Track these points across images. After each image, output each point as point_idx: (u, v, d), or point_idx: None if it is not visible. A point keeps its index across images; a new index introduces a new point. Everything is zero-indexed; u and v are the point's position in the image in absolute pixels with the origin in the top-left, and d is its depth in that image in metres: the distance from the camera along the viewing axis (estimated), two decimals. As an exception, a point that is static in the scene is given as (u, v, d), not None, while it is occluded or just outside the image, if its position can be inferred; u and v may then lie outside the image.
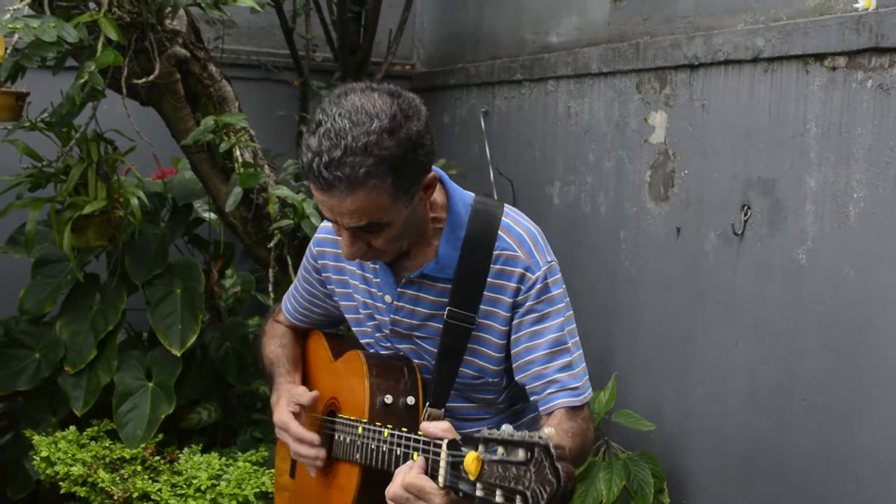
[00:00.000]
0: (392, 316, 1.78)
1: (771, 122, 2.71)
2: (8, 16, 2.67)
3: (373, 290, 1.82)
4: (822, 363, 2.58)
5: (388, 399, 1.71)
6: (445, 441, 1.40)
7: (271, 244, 3.16)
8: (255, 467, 2.95)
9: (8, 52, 2.61)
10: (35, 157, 3.07)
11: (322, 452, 1.82)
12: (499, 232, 1.71)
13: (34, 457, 2.99)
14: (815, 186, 2.58)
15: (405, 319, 1.77)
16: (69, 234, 2.99)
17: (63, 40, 2.61)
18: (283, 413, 1.88)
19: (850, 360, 2.50)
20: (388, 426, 1.64)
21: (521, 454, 1.21)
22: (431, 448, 1.44)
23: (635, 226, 3.24)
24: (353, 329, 1.94)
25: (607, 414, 2.98)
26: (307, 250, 1.97)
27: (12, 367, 3.26)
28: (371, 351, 1.90)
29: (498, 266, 1.70)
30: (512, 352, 1.72)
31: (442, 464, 1.39)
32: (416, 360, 1.81)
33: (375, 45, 4.27)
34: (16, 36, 2.61)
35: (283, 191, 3.09)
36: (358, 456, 1.69)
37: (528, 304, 1.69)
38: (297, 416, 1.88)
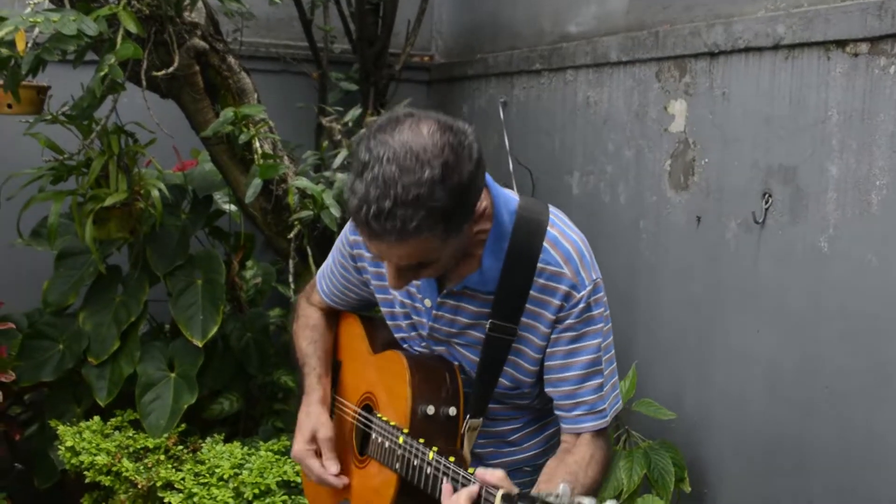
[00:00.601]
0: (431, 323, 1.76)
1: (792, 109, 2.69)
2: (28, 10, 2.70)
3: (412, 290, 1.78)
4: (844, 351, 2.57)
5: (430, 410, 1.68)
6: (500, 493, 1.39)
7: (291, 235, 3.17)
8: (276, 456, 2.97)
9: (29, 46, 2.63)
10: (57, 150, 3.09)
11: (344, 482, 1.85)
12: (544, 244, 1.67)
13: (59, 447, 3.03)
14: (837, 174, 2.56)
15: (444, 327, 1.75)
16: (91, 226, 3.02)
17: (83, 33, 2.63)
18: (301, 449, 1.89)
19: (872, 347, 2.49)
20: (434, 448, 1.60)
21: None
22: (484, 492, 1.43)
23: (655, 215, 3.23)
24: (388, 322, 1.89)
25: (628, 403, 2.98)
26: (343, 234, 1.91)
27: (37, 358, 3.30)
28: (411, 352, 1.85)
29: (542, 280, 1.66)
30: (546, 364, 1.71)
31: None
32: (453, 362, 1.80)
33: (394, 36, 4.27)
34: (36, 30, 2.64)
35: (303, 182, 3.11)
36: (398, 466, 1.68)
37: (568, 321, 1.67)
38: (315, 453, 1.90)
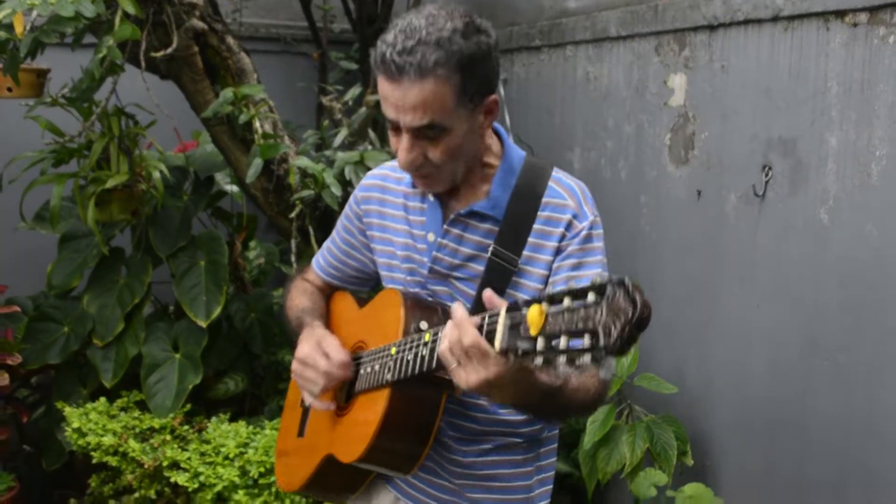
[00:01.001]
0: (435, 253, 1.76)
1: (791, 81, 2.68)
2: (26, -8, 2.69)
3: (415, 230, 1.81)
4: (845, 323, 2.57)
5: (423, 325, 1.68)
6: (504, 305, 1.34)
7: (293, 215, 3.18)
8: (281, 435, 2.98)
9: (27, 28, 2.63)
10: (57, 132, 3.10)
11: (349, 372, 1.79)
12: (549, 183, 1.74)
13: (66, 428, 3.06)
14: (837, 145, 2.55)
15: (447, 258, 1.76)
16: (93, 208, 3.03)
17: (81, 15, 2.62)
18: (310, 348, 1.81)
19: (873, 319, 2.49)
20: (431, 330, 1.60)
21: (590, 297, 1.16)
22: (487, 318, 1.38)
23: (655, 189, 3.23)
24: (383, 275, 1.90)
25: (630, 377, 2.99)
26: (351, 199, 1.96)
27: (43, 340, 3.32)
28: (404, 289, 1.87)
29: (546, 213, 1.72)
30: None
31: (500, 327, 1.32)
32: (450, 303, 1.74)
33: (393, 14, 4.26)
34: (34, 12, 2.63)
35: (304, 161, 3.11)
36: (389, 376, 1.65)
37: (570, 248, 1.70)
38: None
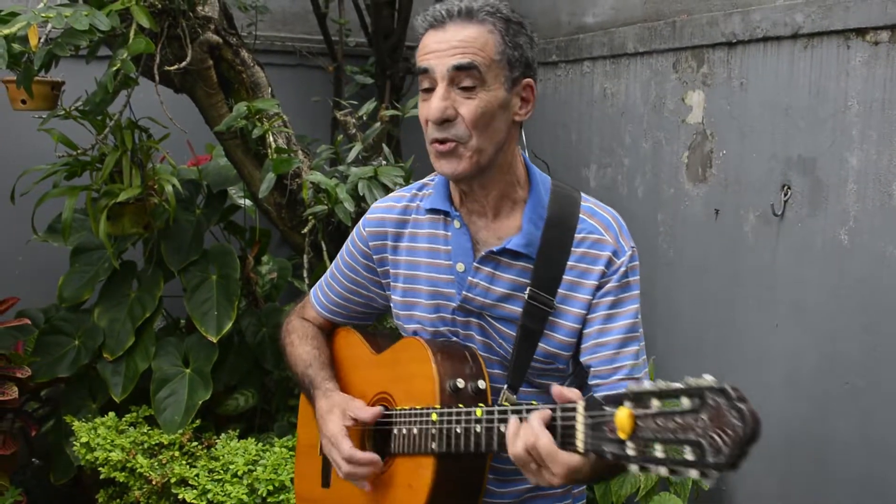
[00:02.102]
0: (465, 293, 1.70)
1: (811, 99, 2.64)
2: (41, 5, 2.69)
3: (440, 260, 1.73)
4: (864, 345, 2.52)
5: (460, 383, 1.62)
6: (581, 402, 1.30)
7: (305, 230, 3.16)
8: (291, 453, 2.95)
9: (41, 41, 2.62)
10: (70, 145, 3.09)
11: (378, 465, 1.71)
12: (580, 215, 1.69)
13: (75, 443, 3.03)
14: (857, 165, 2.51)
15: (478, 297, 1.69)
16: (105, 221, 3.02)
17: (95, 28, 2.62)
18: (336, 426, 1.74)
19: (893, 341, 2.44)
20: (481, 404, 1.56)
21: (685, 402, 1.11)
22: (559, 412, 1.34)
23: (673, 208, 3.19)
24: (401, 313, 1.81)
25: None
26: (354, 235, 1.88)
27: (53, 353, 3.30)
28: (426, 337, 1.78)
29: (582, 249, 1.67)
30: (584, 332, 1.67)
31: (579, 426, 1.28)
32: (479, 338, 1.72)
33: (410, 28, 4.24)
34: (49, 25, 2.64)
35: (317, 176, 3.09)
36: (434, 445, 1.59)
37: (608, 286, 1.66)
38: (348, 430, 1.76)
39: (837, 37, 2.55)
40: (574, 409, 1.31)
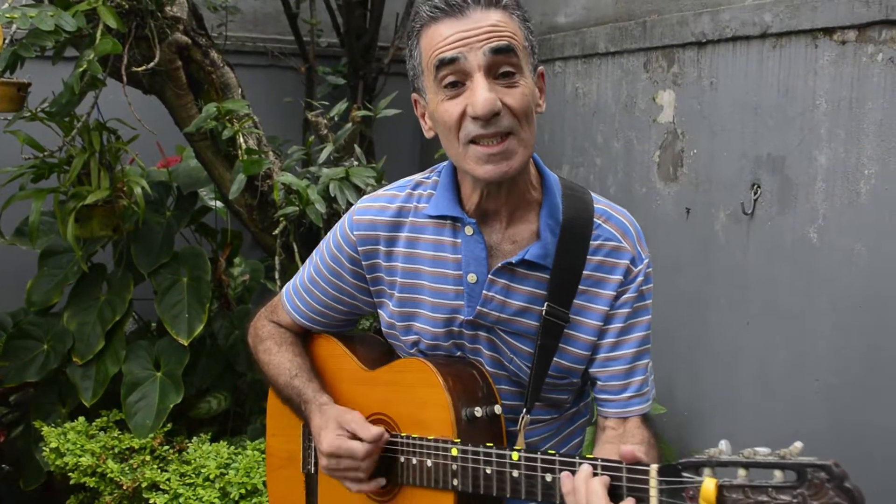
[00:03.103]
0: (479, 307, 1.57)
1: (780, 98, 2.65)
2: (6, 5, 2.66)
3: (448, 270, 1.59)
4: (835, 343, 2.54)
5: (478, 412, 1.51)
6: (655, 467, 1.22)
7: (277, 231, 3.14)
8: (263, 455, 2.93)
9: (6, 42, 2.59)
10: (37, 147, 3.05)
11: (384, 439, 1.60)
12: (595, 220, 1.58)
13: (44, 448, 2.99)
14: (826, 163, 2.53)
15: (493, 312, 1.57)
16: (73, 224, 2.98)
17: (61, 29, 2.59)
18: (332, 437, 1.60)
19: (863, 338, 2.46)
20: (517, 448, 1.45)
21: (778, 476, 1.06)
22: (626, 474, 1.26)
23: (645, 207, 3.19)
24: (397, 324, 1.67)
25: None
26: (338, 237, 1.69)
27: (21, 358, 3.26)
28: (429, 355, 1.66)
29: (598, 258, 1.56)
30: (598, 343, 1.59)
31: (653, 493, 1.21)
32: (487, 352, 1.62)
33: (382, 28, 4.24)
34: (14, 26, 2.60)
35: (288, 177, 3.07)
36: (456, 482, 1.49)
37: (626, 296, 1.57)
38: None
39: (805, 36, 2.56)
40: (647, 474, 1.23)
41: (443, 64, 1.42)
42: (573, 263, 1.54)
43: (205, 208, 3.60)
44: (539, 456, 1.39)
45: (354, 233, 1.65)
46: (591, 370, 1.61)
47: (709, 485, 1.11)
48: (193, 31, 3.11)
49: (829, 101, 2.51)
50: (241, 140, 3.08)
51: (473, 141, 1.44)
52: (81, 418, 3.09)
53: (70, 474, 2.91)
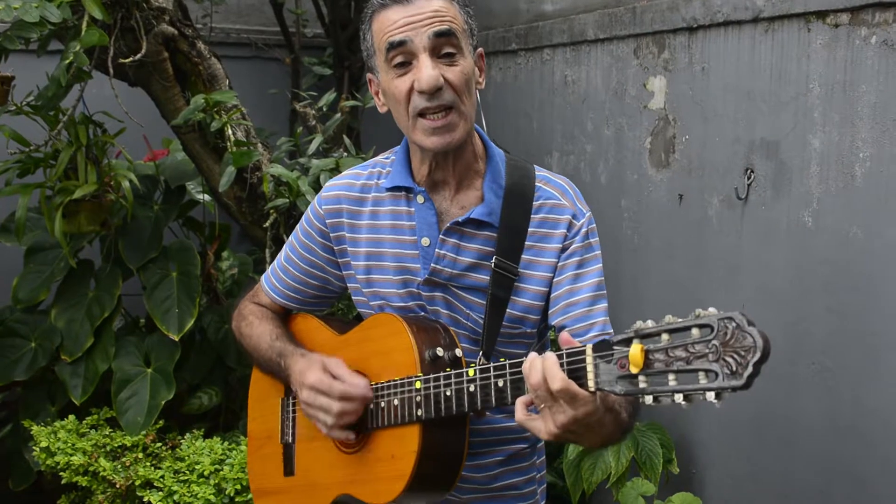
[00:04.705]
0: (433, 265, 1.71)
1: (773, 82, 2.65)
2: (-11, -3, 2.61)
3: (404, 236, 1.74)
4: (830, 326, 2.54)
5: (439, 351, 1.63)
6: (590, 345, 1.32)
7: (267, 224, 3.11)
8: (258, 450, 2.91)
9: (-10, 34, 2.55)
10: (22, 141, 3.00)
11: (370, 396, 1.68)
12: (536, 184, 1.73)
13: (34, 447, 2.96)
14: (820, 147, 2.53)
15: (446, 268, 1.70)
16: (60, 219, 2.94)
17: (46, 21, 2.55)
18: (316, 374, 1.70)
19: (858, 321, 2.46)
20: (473, 364, 1.56)
21: (695, 333, 1.15)
22: (567, 359, 1.35)
23: (637, 193, 3.19)
24: (365, 290, 1.78)
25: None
26: (309, 214, 1.85)
27: (8, 356, 3.22)
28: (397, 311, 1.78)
29: (541, 215, 1.71)
30: (554, 295, 1.70)
31: (590, 367, 1.31)
32: (445, 311, 1.73)
33: (367, 18, 4.19)
34: (-3, 17, 2.55)
35: (278, 169, 3.04)
36: (420, 412, 1.59)
37: (573, 247, 1.70)
38: None
39: (798, 20, 2.56)
40: (583, 353, 1.33)
41: (392, 46, 1.59)
42: (518, 221, 1.70)
43: (192, 202, 3.56)
44: (492, 365, 1.51)
45: (323, 207, 1.82)
46: (554, 321, 1.71)
47: (635, 350, 1.21)
48: (179, 21, 3.07)
49: (822, 84, 2.51)
50: (230, 132, 3.05)
51: (421, 114, 1.61)
52: (72, 416, 3.06)
53: (61, 474, 2.88)
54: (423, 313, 1.75)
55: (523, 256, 1.69)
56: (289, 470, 1.89)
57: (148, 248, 3.26)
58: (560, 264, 1.70)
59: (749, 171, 2.74)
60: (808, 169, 2.56)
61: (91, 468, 2.85)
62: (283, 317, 1.96)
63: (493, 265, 1.68)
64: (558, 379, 1.33)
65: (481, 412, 1.59)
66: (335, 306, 3.05)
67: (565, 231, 1.70)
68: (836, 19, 2.46)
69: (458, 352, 1.65)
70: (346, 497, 1.73)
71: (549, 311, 1.71)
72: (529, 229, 1.70)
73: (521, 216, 1.70)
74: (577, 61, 3.47)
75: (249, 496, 2.72)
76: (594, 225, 1.75)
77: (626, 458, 2.77)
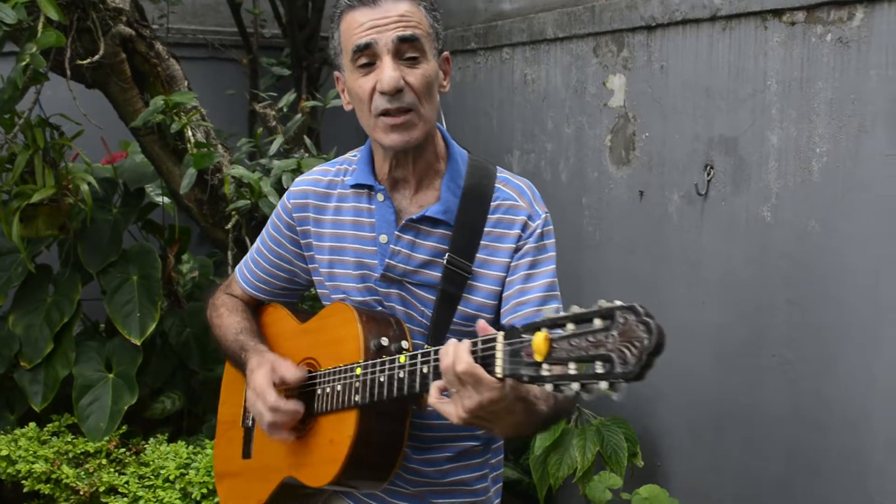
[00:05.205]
0: (387, 260, 1.74)
1: (731, 80, 2.69)
2: (-58, -1, 2.56)
3: (364, 232, 1.79)
4: (790, 318, 2.59)
5: (384, 341, 1.67)
6: (501, 333, 1.34)
7: (229, 225, 3.08)
8: (224, 454, 2.89)
9: (-57, 36, 2.50)
10: (-23, 145, 2.95)
11: (299, 413, 1.73)
12: (496, 185, 1.76)
13: (-6, 456, 2.91)
14: (778, 143, 2.57)
15: (400, 264, 1.74)
16: (18, 224, 2.89)
17: (1, 22, 2.51)
18: (263, 379, 1.74)
19: (818, 314, 2.52)
20: (406, 352, 1.59)
21: (597, 323, 1.17)
22: (480, 345, 1.38)
23: (598, 191, 3.22)
24: (327, 283, 1.84)
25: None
26: (279, 208, 1.91)
27: (-34, 364, 3.16)
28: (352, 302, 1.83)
29: (497, 215, 1.74)
30: (505, 294, 1.73)
31: (499, 353, 1.33)
32: (400, 307, 1.77)
33: (325, 18, 4.18)
34: (-50, 19, 2.50)
35: (239, 170, 3.02)
36: (357, 398, 1.63)
37: (526, 248, 1.73)
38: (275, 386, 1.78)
39: (755, 18, 2.60)
40: (494, 339, 1.35)
41: (358, 49, 1.63)
42: (474, 220, 1.73)
43: (152, 204, 3.53)
44: (420, 352, 1.55)
45: (290, 201, 1.87)
46: (504, 320, 1.73)
47: (538, 338, 1.23)
48: (137, 22, 3.04)
49: (779, 81, 2.56)
50: (190, 133, 3.02)
51: (382, 114, 1.65)
52: (32, 424, 3.01)
53: (23, 482, 2.83)
54: (380, 308, 1.79)
55: (478, 255, 1.72)
56: (247, 453, 1.95)
57: (108, 252, 3.22)
58: (513, 264, 1.72)
59: (708, 167, 2.78)
60: (767, 164, 2.61)
61: (54, 476, 2.82)
62: (255, 307, 2.02)
63: (445, 262, 1.71)
64: (463, 362, 1.36)
65: (422, 404, 1.61)
66: (299, 305, 3.04)
67: (520, 231, 1.73)
68: (793, 17, 2.51)
69: (405, 343, 1.68)
70: (292, 479, 1.78)
71: (501, 310, 1.74)
72: (485, 229, 1.73)
73: (477, 216, 1.73)
74: (536, 60, 3.50)
75: (216, 500, 2.70)
76: (550, 226, 1.77)
77: (592, 453, 2.80)
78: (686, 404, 2.94)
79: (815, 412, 2.55)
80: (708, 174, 2.78)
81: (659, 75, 2.93)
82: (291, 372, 1.74)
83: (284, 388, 1.76)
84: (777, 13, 2.54)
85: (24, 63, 2.58)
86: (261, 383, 1.74)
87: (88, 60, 2.83)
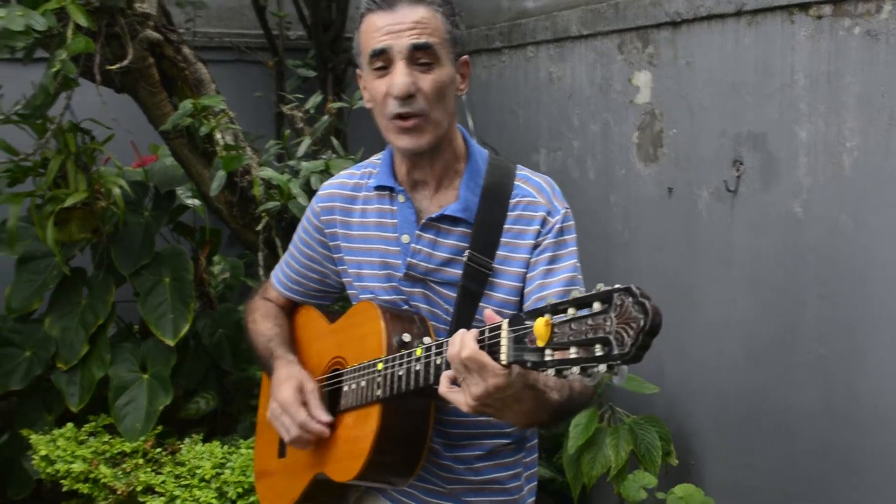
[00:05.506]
0: (409, 259, 1.77)
1: (758, 75, 2.68)
2: (-25, 8, 2.60)
3: (387, 233, 1.82)
4: (822, 314, 2.58)
5: (406, 337, 1.70)
6: (506, 321, 1.36)
7: (259, 227, 3.11)
8: (257, 453, 2.92)
9: (-24, 45, 2.54)
10: (11, 151, 3.00)
11: (326, 433, 1.77)
12: (515, 182, 1.78)
13: (33, 456, 2.96)
14: (807, 138, 2.56)
15: (422, 263, 1.77)
16: (52, 228, 2.94)
17: (31, 29, 2.55)
18: (289, 394, 1.80)
19: (850, 309, 2.50)
20: (422, 345, 1.62)
21: (596, 306, 1.18)
22: (487, 332, 1.40)
23: (625, 188, 3.22)
24: (356, 284, 1.87)
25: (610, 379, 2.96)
26: (307, 212, 1.96)
27: (4, 366, 3.21)
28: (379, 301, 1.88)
29: (517, 212, 1.75)
30: (525, 290, 1.74)
31: (504, 341, 1.35)
32: (424, 306, 1.79)
33: (349, 19, 4.20)
34: (-18, 28, 2.54)
35: (268, 172, 3.05)
36: (379, 393, 1.67)
37: (545, 243, 1.74)
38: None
39: (781, 12, 2.59)
40: (500, 327, 1.37)
41: (374, 53, 1.67)
42: (494, 218, 1.75)
43: (182, 207, 3.56)
44: (433, 344, 1.57)
45: (318, 205, 1.92)
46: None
47: (539, 323, 1.25)
48: (164, 27, 3.07)
49: (807, 76, 2.54)
50: (219, 136, 3.05)
51: (394, 118, 1.68)
52: (70, 424, 3.06)
53: (62, 482, 2.88)
54: (406, 307, 1.82)
55: (498, 252, 1.74)
56: (282, 452, 1.99)
57: (140, 255, 3.26)
58: (533, 260, 1.74)
59: (737, 163, 2.77)
60: (796, 160, 2.59)
61: (91, 475, 2.86)
62: (290, 309, 2.08)
63: (465, 259, 1.73)
64: (468, 349, 1.38)
65: (446, 400, 1.61)
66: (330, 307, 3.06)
67: (539, 227, 1.74)
68: (820, 11, 2.49)
69: (428, 340, 1.69)
70: (322, 476, 1.81)
71: (523, 307, 1.75)
72: (505, 226, 1.74)
73: (497, 213, 1.75)
74: (561, 58, 3.49)
75: (251, 499, 2.74)
76: (571, 222, 1.78)
77: (626, 452, 2.80)
78: (718, 402, 2.93)
79: (847, 408, 2.54)
80: (737, 170, 2.77)
81: (685, 71, 2.92)
82: (316, 405, 1.79)
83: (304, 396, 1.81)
84: (804, 7, 2.52)
85: (54, 69, 2.62)
86: (287, 398, 1.79)
87: (117, 66, 2.86)
